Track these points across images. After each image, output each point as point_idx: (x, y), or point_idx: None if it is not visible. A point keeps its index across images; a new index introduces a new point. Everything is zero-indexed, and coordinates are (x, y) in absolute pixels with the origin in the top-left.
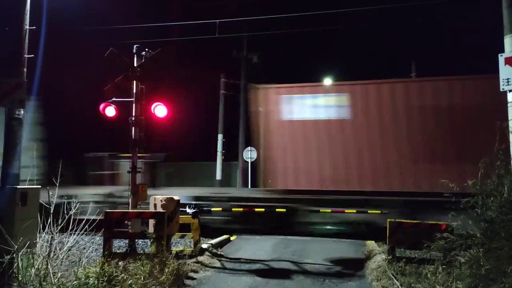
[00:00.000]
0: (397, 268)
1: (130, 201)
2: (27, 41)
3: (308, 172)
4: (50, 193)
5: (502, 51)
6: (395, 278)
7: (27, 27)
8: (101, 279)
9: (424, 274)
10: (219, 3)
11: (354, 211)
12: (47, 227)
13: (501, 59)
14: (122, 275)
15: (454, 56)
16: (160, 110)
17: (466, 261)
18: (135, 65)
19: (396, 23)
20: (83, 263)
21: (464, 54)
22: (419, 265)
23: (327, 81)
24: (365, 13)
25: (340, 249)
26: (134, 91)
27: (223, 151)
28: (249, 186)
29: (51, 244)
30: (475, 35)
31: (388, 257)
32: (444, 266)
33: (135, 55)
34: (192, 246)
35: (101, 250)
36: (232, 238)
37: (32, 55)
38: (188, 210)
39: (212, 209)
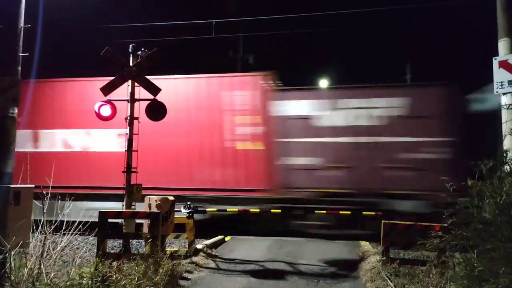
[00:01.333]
0: (391, 269)
1: (125, 201)
2: (22, 39)
3: None
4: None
5: (497, 54)
6: (389, 279)
7: (22, 25)
8: (95, 279)
9: (417, 275)
10: (216, 4)
11: None
12: (40, 226)
13: (495, 62)
14: (116, 275)
15: (448, 59)
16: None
17: (459, 262)
18: (130, 64)
19: (391, 24)
20: (77, 263)
21: (458, 57)
22: (412, 266)
23: (323, 82)
24: (362, 15)
25: (335, 250)
26: (130, 90)
27: None
28: None
29: (44, 244)
30: (469, 38)
31: (382, 258)
32: (437, 268)
33: (131, 55)
34: (187, 246)
35: (95, 250)
36: (226, 238)
37: (27, 54)
38: (183, 211)
39: (207, 209)
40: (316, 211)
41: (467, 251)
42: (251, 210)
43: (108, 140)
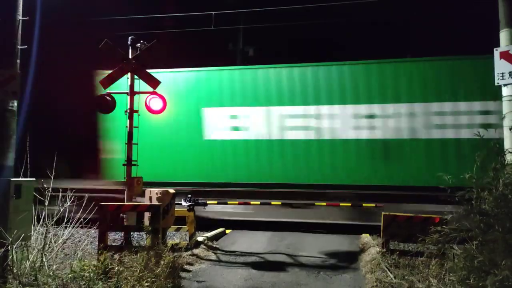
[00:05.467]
0: (391, 260)
1: (125, 194)
2: (20, 32)
3: None
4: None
5: (498, 45)
6: (389, 270)
7: (20, 17)
8: (97, 271)
9: (417, 266)
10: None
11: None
12: (41, 219)
13: (496, 53)
14: (118, 267)
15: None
16: (155, 102)
17: (459, 253)
18: (130, 56)
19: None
20: (78, 255)
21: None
22: (412, 257)
23: None
24: (362, 5)
25: (335, 242)
26: (129, 83)
27: None
28: None
29: (45, 236)
30: (471, 29)
31: (382, 250)
32: (437, 259)
33: (130, 47)
34: (188, 239)
35: (96, 243)
36: (227, 231)
37: (25, 46)
38: (184, 203)
39: (208, 202)
40: None
41: (466, 243)
42: None
43: None
